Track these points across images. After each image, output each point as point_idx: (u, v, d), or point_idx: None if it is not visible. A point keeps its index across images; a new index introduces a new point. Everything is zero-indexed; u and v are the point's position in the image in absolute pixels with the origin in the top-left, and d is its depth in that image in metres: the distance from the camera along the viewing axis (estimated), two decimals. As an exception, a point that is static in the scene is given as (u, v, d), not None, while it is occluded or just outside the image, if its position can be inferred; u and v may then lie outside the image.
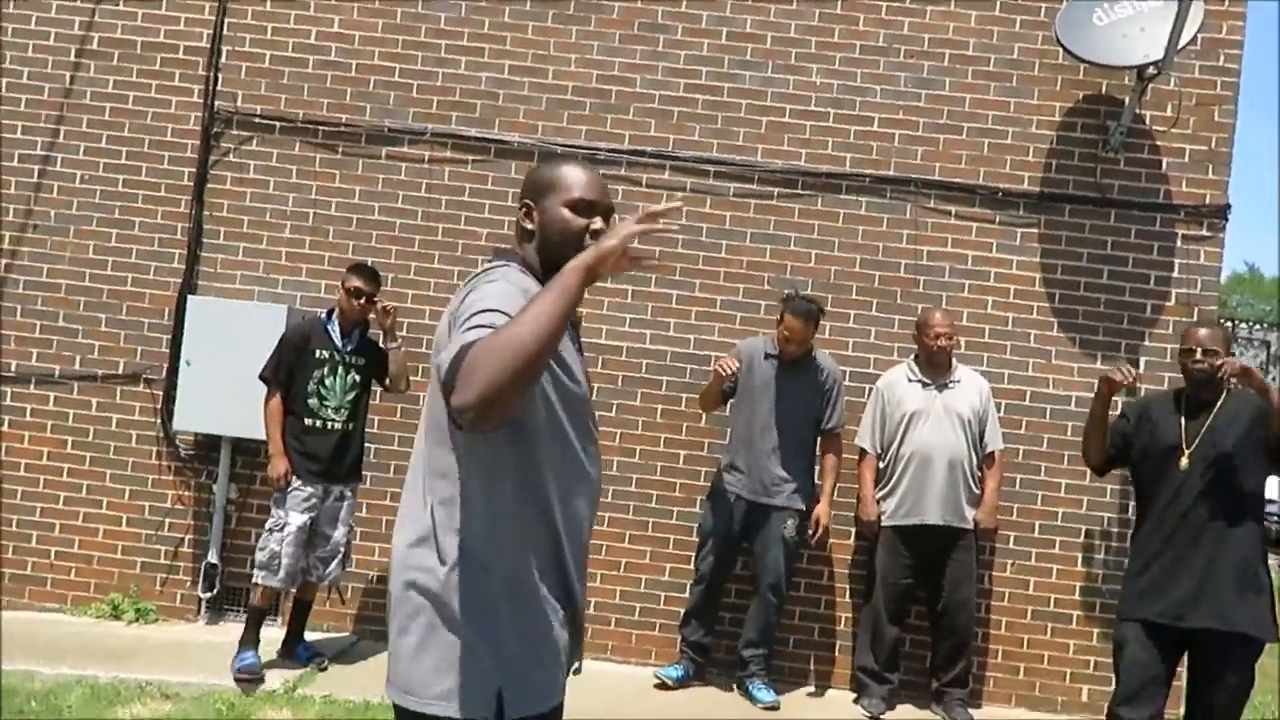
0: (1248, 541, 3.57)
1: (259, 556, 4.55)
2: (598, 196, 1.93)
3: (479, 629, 1.78)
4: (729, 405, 4.93)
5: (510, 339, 1.57)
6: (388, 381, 4.75)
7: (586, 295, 5.14)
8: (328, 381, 4.57)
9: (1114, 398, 3.92)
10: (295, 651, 4.68)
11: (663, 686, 4.80)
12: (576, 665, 1.95)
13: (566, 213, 1.91)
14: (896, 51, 5.27)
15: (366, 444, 4.85)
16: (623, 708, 4.49)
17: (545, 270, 1.88)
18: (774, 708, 4.66)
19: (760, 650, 4.80)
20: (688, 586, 4.98)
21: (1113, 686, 3.80)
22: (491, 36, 5.32)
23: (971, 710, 4.81)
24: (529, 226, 1.95)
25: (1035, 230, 5.22)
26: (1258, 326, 24.62)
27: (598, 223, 1.91)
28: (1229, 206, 5.21)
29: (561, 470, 1.86)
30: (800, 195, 5.25)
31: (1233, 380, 3.68)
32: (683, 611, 4.95)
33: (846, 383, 5.06)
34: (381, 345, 4.70)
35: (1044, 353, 5.17)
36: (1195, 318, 5.11)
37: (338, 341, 4.61)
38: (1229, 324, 23.53)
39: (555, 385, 1.84)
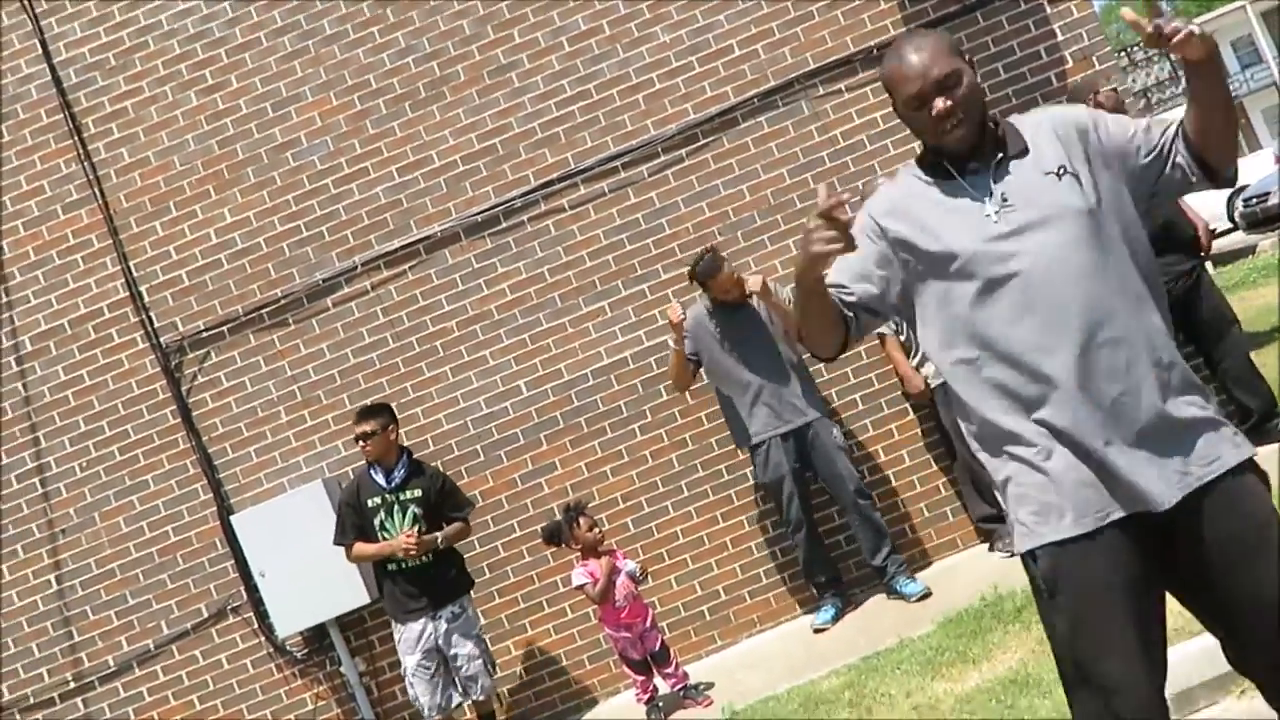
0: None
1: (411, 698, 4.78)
2: (921, 85, 2.01)
3: (999, 482, 2.05)
4: (703, 374, 5.04)
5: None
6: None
7: (569, 326, 5.23)
8: (388, 525, 4.68)
9: None
10: None
11: (821, 630, 4.94)
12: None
13: (912, 114, 2.05)
14: (721, -23, 5.42)
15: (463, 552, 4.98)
16: (800, 667, 4.63)
17: (935, 154, 2.09)
18: (926, 594, 4.80)
19: (885, 550, 4.94)
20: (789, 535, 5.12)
21: None
22: (367, 153, 5.44)
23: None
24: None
25: (922, 65, 5.38)
26: (1148, 41, 24.93)
27: (938, 104, 2.00)
28: (1074, -44, 5.39)
29: (975, 317, 2.01)
30: (706, 145, 5.40)
31: None
32: (800, 560, 5.09)
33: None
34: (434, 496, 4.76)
35: (987, 165, 5.34)
36: (1098, 65, 5.30)
37: (383, 483, 4.72)
38: (1123, 52, 23.82)
39: (910, 257, 2.07)
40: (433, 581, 4.68)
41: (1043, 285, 1.97)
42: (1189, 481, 1.94)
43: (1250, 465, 1.99)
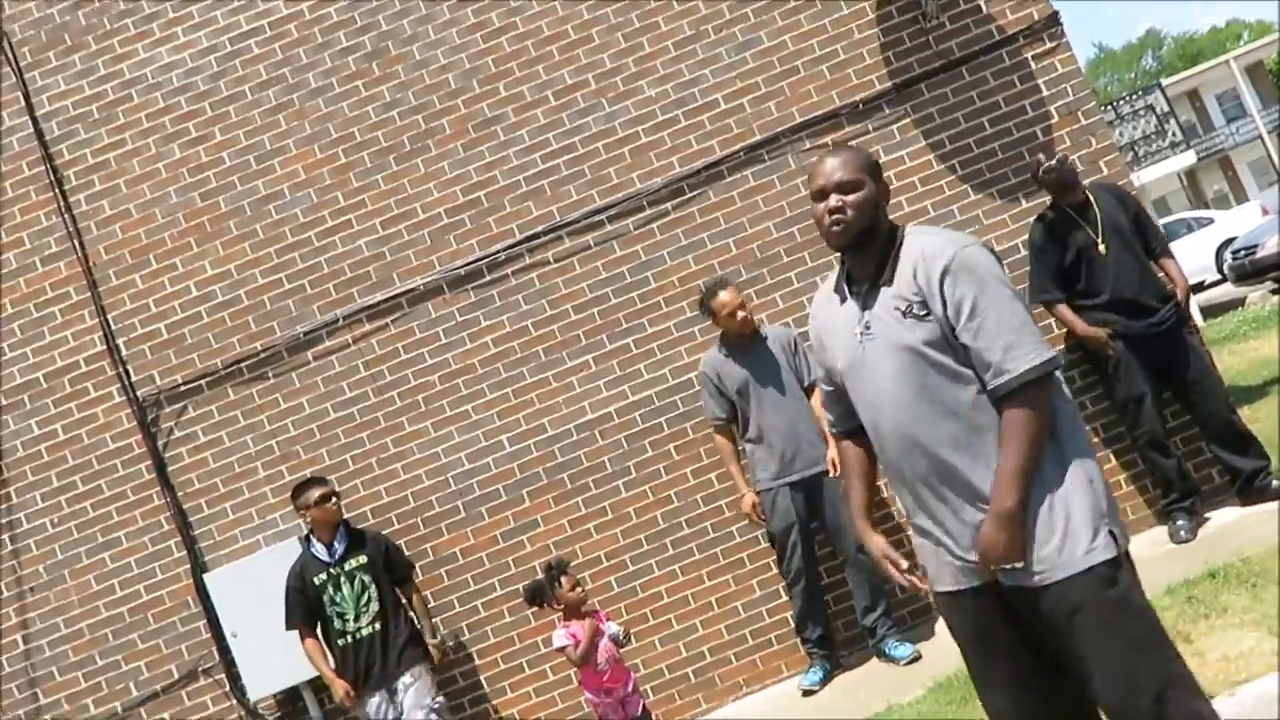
0: (1153, 273, 4.98)
1: None
2: (820, 183, 2.41)
3: None
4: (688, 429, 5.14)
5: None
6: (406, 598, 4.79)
7: (553, 381, 5.19)
8: (337, 598, 4.62)
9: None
10: None
11: (809, 693, 4.81)
12: None
13: (813, 205, 2.46)
14: (706, 33, 5.43)
15: (433, 619, 4.87)
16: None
17: (841, 267, 2.53)
18: (916, 658, 4.69)
19: (878, 612, 4.84)
20: (782, 590, 5.02)
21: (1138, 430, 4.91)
22: (351, 206, 5.40)
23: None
24: None
25: (908, 119, 5.38)
26: (1135, 96, 25.29)
27: (824, 204, 2.39)
28: (1056, 13, 5.42)
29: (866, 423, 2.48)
30: (693, 198, 5.38)
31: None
32: (793, 616, 4.98)
33: (820, 337, 5.16)
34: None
35: (974, 219, 5.32)
36: (1083, 120, 5.32)
37: (325, 557, 4.65)
38: (1109, 106, 24.11)
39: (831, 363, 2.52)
40: (384, 653, 4.59)
41: (877, 408, 2.39)
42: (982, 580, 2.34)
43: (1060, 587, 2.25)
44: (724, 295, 4.84)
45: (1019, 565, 2.23)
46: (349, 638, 4.59)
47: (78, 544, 5.28)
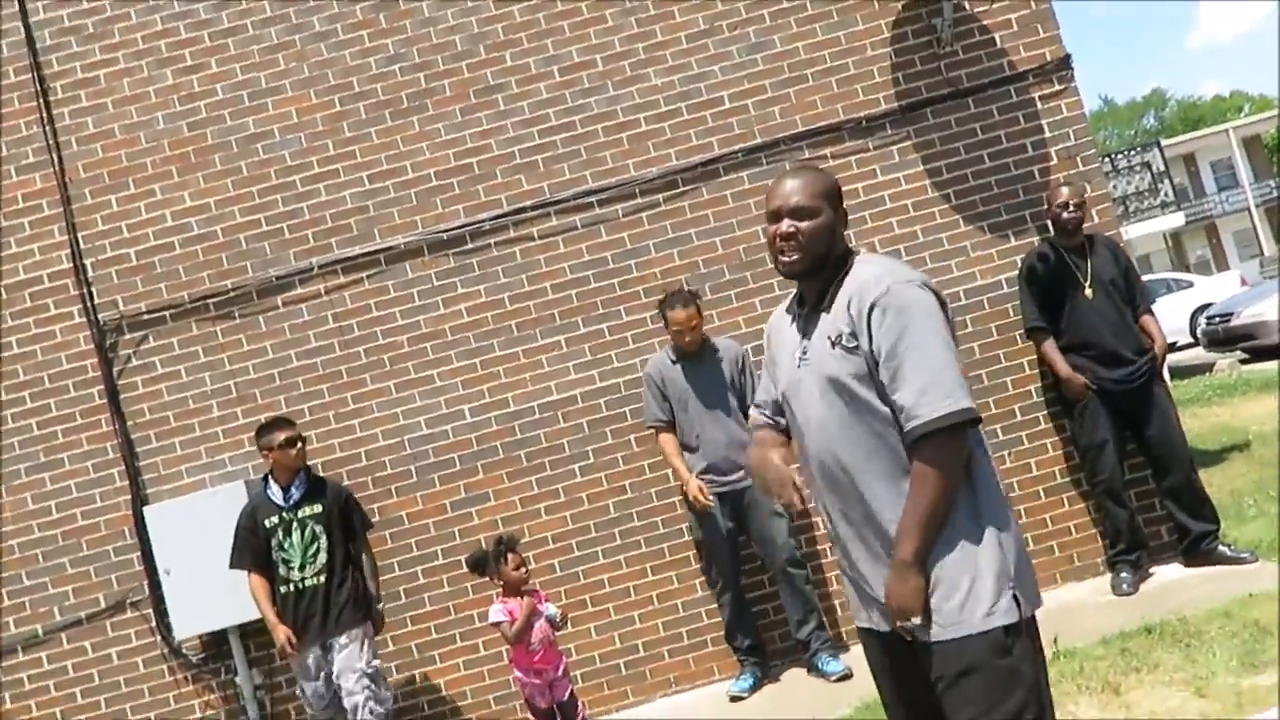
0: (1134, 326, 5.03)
1: None
2: (775, 205, 2.35)
3: None
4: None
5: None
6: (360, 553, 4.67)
7: (522, 356, 5.14)
8: (285, 545, 4.51)
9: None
10: None
11: (737, 699, 4.80)
12: None
13: (766, 227, 2.40)
14: (719, 29, 5.39)
15: (376, 578, 4.80)
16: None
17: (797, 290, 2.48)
18: (847, 675, 4.69)
19: (811, 625, 4.84)
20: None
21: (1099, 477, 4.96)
22: (340, 155, 5.32)
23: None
24: None
25: (909, 143, 5.37)
26: (1134, 151, 25.49)
27: (776, 227, 2.33)
28: (1069, 56, 5.43)
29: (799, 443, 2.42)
30: (685, 192, 5.34)
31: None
32: (724, 622, 4.97)
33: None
34: (336, 494, 4.64)
35: (961, 250, 5.32)
36: (1081, 166, 5.33)
37: (280, 501, 4.54)
38: (1107, 158, 24.29)
39: (775, 381, 2.47)
40: (325, 609, 4.49)
41: (806, 435, 2.35)
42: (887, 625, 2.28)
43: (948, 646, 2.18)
44: (679, 312, 4.81)
45: (916, 621, 2.16)
46: (291, 586, 4.49)
47: (18, 460, 5.17)
